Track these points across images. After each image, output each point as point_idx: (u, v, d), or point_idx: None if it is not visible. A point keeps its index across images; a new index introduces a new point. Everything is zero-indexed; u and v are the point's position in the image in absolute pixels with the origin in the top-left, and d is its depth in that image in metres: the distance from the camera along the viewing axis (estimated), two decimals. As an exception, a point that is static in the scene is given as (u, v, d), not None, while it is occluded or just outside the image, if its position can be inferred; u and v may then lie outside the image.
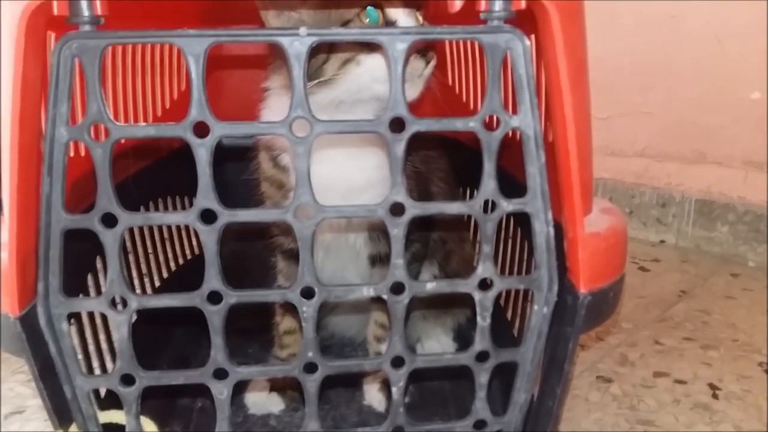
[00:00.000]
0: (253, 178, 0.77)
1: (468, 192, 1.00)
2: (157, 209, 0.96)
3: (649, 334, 1.05)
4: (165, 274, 1.00)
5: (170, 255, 1.04)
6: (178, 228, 1.09)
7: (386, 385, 0.70)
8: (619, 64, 1.45)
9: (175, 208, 1.05)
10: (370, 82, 0.61)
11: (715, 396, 0.88)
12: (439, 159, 0.86)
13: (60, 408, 0.53)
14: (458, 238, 0.88)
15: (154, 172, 0.91)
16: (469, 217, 0.92)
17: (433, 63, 0.63)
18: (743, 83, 1.34)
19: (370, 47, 0.60)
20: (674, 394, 0.88)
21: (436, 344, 0.90)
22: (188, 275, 1.01)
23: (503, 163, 0.52)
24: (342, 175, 0.67)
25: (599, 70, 1.34)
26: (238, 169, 0.80)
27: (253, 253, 0.85)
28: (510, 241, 0.82)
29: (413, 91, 0.63)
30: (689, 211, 1.44)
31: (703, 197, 1.43)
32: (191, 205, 0.49)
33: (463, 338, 0.91)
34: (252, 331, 0.87)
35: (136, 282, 0.89)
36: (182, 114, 0.47)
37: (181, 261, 1.07)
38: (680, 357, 0.98)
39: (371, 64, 0.60)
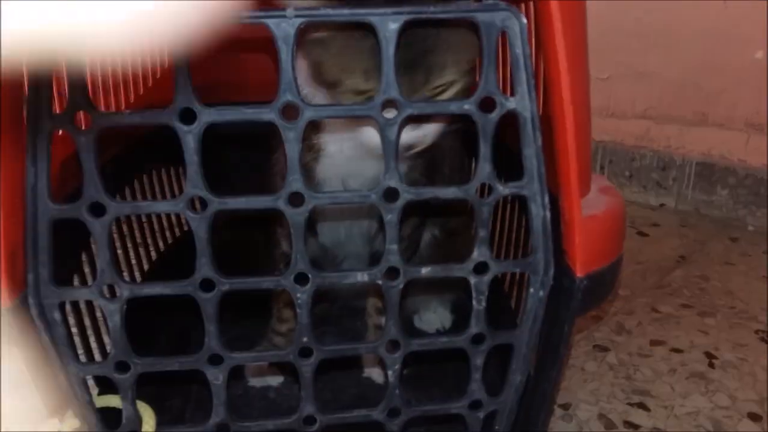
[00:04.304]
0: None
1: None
2: (142, 186, 0.96)
3: (647, 302, 1.05)
4: (153, 256, 1.00)
5: (158, 235, 1.04)
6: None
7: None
8: (619, 23, 1.42)
9: (160, 180, 1.05)
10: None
11: (711, 365, 0.89)
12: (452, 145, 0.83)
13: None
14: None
15: (140, 147, 0.90)
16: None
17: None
18: (747, 42, 1.31)
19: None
20: (670, 363, 0.89)
21: (433, 315, 0.90)
22: (179, 255, 1.01)
23: (509, 141, 0.51)
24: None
25: (599, 30, 1.31)
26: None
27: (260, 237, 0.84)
28: (507, 224, 0.81)
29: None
30: (689, 175, 1.43)
31: (704, 160, 1.41)
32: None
33: (462, 309, 0.91)
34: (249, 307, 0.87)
35: (132, 262, 0.89)
36: (165, 93, 0.46)
37: (170, 239, 1.07)
38: (677, 325, 0.98)
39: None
